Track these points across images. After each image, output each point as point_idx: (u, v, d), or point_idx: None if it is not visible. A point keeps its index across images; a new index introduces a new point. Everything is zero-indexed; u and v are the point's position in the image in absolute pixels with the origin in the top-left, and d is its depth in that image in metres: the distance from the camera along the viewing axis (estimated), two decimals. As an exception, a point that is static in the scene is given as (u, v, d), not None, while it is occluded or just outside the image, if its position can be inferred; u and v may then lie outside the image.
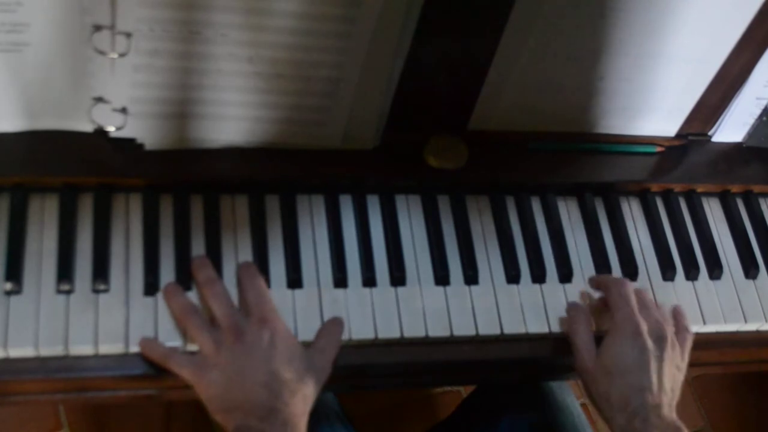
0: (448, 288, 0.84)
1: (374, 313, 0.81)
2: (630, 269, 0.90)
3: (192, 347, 0.75)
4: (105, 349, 0.74)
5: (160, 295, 0.77)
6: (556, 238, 0.90)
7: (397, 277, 0.83)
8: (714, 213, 0.97)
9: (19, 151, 0.79)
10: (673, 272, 0.91)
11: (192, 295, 0.77)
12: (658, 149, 0.97)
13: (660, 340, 0.78)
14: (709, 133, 0.99)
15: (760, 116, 0.97)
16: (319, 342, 0.77)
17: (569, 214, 0.92)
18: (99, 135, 0.80)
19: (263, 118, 0.82)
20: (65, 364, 0.73)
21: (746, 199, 0.99)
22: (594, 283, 0.87)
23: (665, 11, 0.81)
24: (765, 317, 0.91)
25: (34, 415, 1.39)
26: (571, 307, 0.84)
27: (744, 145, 1.01)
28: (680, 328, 0.83)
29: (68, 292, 0.75)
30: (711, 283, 0.92)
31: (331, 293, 0.81)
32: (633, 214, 0.94)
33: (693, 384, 1.70)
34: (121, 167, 0.81)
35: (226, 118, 0.81)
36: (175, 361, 0.73)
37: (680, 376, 0.80)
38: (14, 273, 0.74)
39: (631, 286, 0.83)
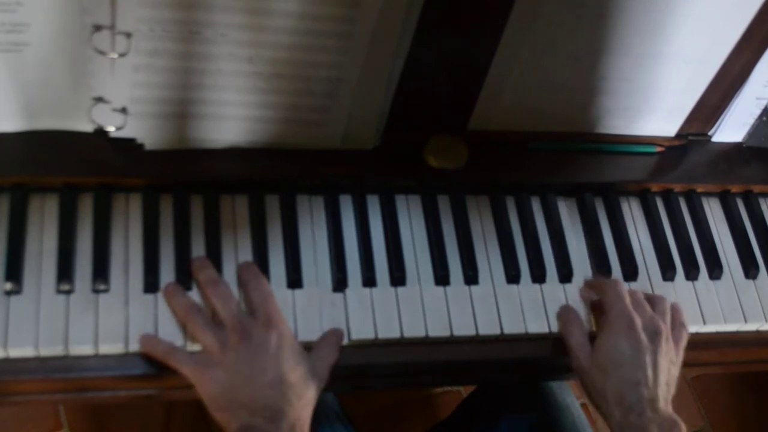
0: (448, 288, 0.84)
1: (374, 313, 0.81)
2: (630, 269, 0.90)
3: (193, 347, 0.75)
4: (105, 349, 0.74)
5: (160, 295, 0.77)
6: (556, 238, 0.90)
7: (397, 277, 0.83)
8: (714, 213, 0.97)
9: (19, 151, 0.79)
10: (673, 272, 0.91)
11: (192, 295, 0.77)
12: (658, 149, 0.97)
13: (654, 335, 0.78)
14: (709, 133, 0.99)
15: (760, 116, 0.97)
16: (320, 350, 0.77)
17: (569, 214, 0.92)
18: (99, 135, 0.80)
19: (263, 118, 0.82)
20: (65, 364, 0.73)
21: (746, 199, 0.99)
22: (588, 286, 0.87)
23: (665, 11, 0.81)
24: (765, 317, 0.91)
25: (34, 415, 1.39)
26: (563, 310, 0.84)
27: (744, 145, 1.01)
28: (676, 323, 0.83)
29: (68, 292, 0.75)
30: (711, 283, 0.92)
31: (330, 293, 0.81)
32: (633, 214, 0.94)
33: (693, 384, 1.70)
34: (121, 167, 0.81)
35: (226, 118, 0.81)
36: (177, 357, 0.73)
37: (675, 371, 0.80)
38: (14, 273, 0.74)
39: (623, 285, 0.83)
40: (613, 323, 0.79)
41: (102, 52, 0.74)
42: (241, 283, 0.78)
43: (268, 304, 0.76)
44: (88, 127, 0.80)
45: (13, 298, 0.74)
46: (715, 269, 0.92)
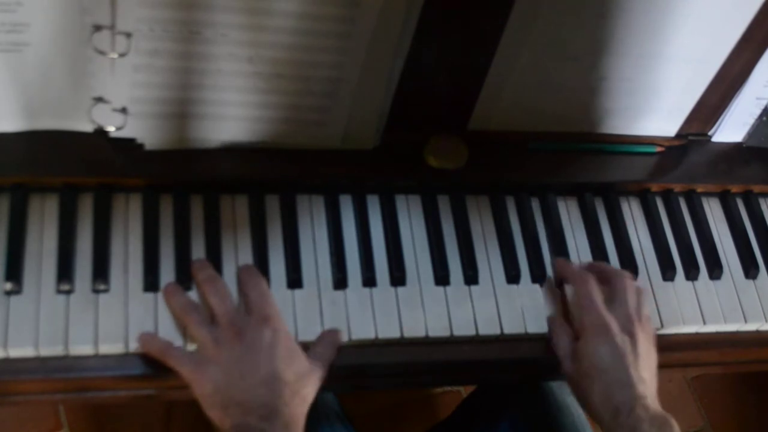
0: (448, 288, 0.84)
1: (374, 313, 0.81)
2: (630, 269, 0.90)
3: (192, 347, 0.75)
4: (105, 349, 0.74)
5: (160, 295, 0.77)
6: (556, 238, 0.90)
7: (397, 277, 0.83)
8: (714, 213, 0.97)
9: (19, 151, 0.79)
10: (673, 272, 0.91)
11: (192, 295, 0.77)
12: (658, 149, 0.97)
13: (630, 333, 0.78)
14: (709, 133, 0.99)
15: (760, 116, 0.97)
16: (318, 348, 0.77)
17: (569, 214, 0.92)
18: (99, 135, 0.80)
19: (263, 118, 0.82)
20: (65, 364, 0.73)
21: (746, 199, 0.99)
22: (557, 269, 0.86)
23: (665, 11, 0.81)
24: (765, 317, 0.91)
25: (33, 415, 1.39)
26: (550, 320, 0.84)
27: (744, 145, 1.01)
28: (644, 314, 0.82)
29: (68, 292, 0.75)
30: (711, 283, 0.92)
31: (331, 293, 0.81)
32: (633, 214, 0.94)
33: (693, 384, 1.70)
34: (121, 167, 0.81)
35: (226, 118, 0.81)
36: (173, 355, 0.73)
37: (654, 363, 0.80)
38: (14, 273, 0.74)
39: (593, 282, 0.82)
40: (588, 330, 0.78)
41: (102, 52, 0.74)
42: (240, 283, 0.78)
43: (264, 302, 0.75)
44: (88, 127, 0.80)
45: (13, 298, 0.74)
46: (715, 269, 0.92)
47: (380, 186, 0.88)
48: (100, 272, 0.76)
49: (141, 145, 0.81)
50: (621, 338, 0.77)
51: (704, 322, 0.89)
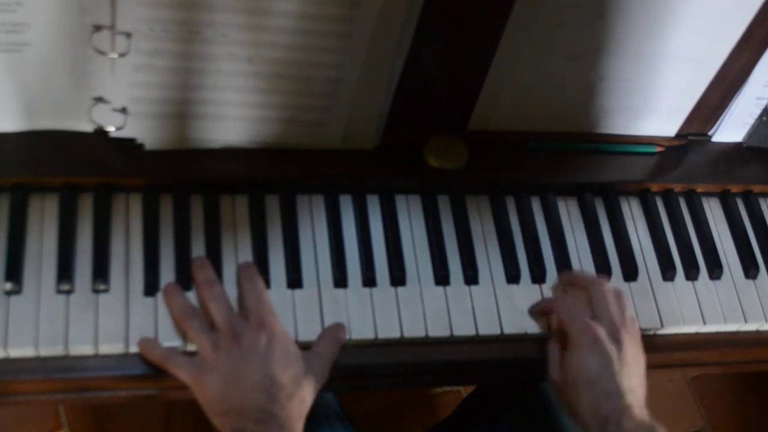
0: (448, 288, 0.84)
1: (374, 313, 0.81)
2: (630, 269, 0.90)
3: (192, 347, 0.75)
4: (105, 349, 0.74)
5: (160, 295, 0.77)
6: (556, 238, 0.90)
7: (397, 277, 0.83)
8: (714, 213, 0.97)
9: (19, 151, 0.79)
10: (673, 272, 0.91)
11: (192, 296, 0.77)
12: (658, 149, 0.97)
13: (618, 341, 0.78)
14: (709, 133, 0.99)
15: (760, 116, 0.97)
16: (319, 346, 0.77)
17: (569, 214, 0.92)
18: (99, 135, 0.80)
19: (263, 118, 0.82)
20: (65, 364, 0.73)
21: (746, 199, 0.99)
22: (538, 311, 0.85)
23: (665, 11, 0.82)
24: (765, 317, 0.91)
25: (33, 415, 1.39)
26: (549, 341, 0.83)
27: (744, 145, 1.01)
28: (627, 317, 0.82)
29: (68, 292, 0.75)
30: (711, 283, 0.92)
31: (331, 293, 0.81)
32: (633, 214, 0.94)
33: (693, 384, 1.70)
34: (121, 167, 0.81)
35: (226, 118, 0.81)
36: (174, 362, 0.73)
37: (642, 368, 0.80)
38: (14, 273, 0.74)
39: (572, 299, 0.81)
40: (576, 339, 0.78)
41: (102, 52, 0.74)
42: (238, 284, 0.78)
43: (261, 306, 0.75)
44: (88, 127, 0.80)
45: (13, 298, 0.74)
46: (715, 269, 0.92)
47: (380, 186, 0.88)
48: (100, 272, 0.76)
49: (141, 145, 0.81)
50: (609, 347, 0.77)
51: (704, 322, 0.89)
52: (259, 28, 0.74)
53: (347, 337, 0.79)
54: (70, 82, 0.76)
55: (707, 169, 0.98)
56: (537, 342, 0.84)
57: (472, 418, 1.08)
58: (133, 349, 0.74)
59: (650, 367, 0.87)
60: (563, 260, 0.88)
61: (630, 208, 0.95)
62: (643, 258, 0.92)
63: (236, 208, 0.83)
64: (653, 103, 0.92)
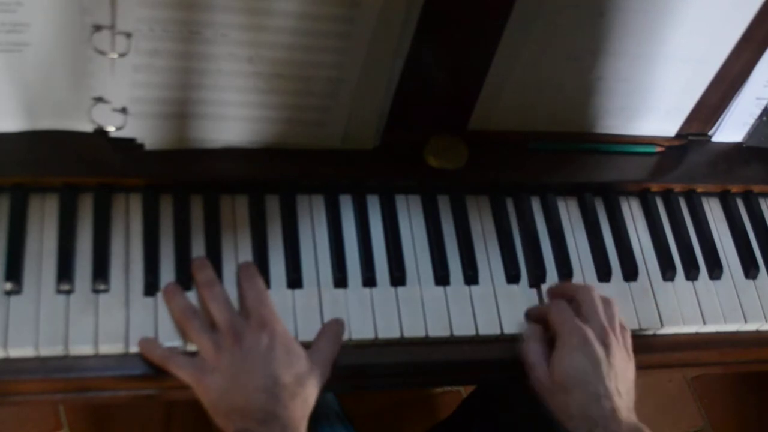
0: (448, 288, 0.84)
1: (374, 313, 0.81)
2: (630, 269, 0.90)
3: (192, 347, 0.75)
4: (105, 349, 0.74)
5: (160, 295, 0.77)
6: (556, 238, 0.90)
7: (397, 277, 0.83)
8: (714, 213, 0.97)
9: (19, 151, 0.79)
10: (673, 272, 0.91)
11: (192, 296, 0.77)
12: (658, 149, 0.97)
13: (606, 345, 0.77)
14: (709, 133, 0.99)
15: (760, 116, 0.97)
16: (319, 343, 0.77)
17: (569, 214, 0.92)
18: (99, 135, 0.80)
19: (263, 118, 0.82)
20: (65, 364, 0.73)
21: (746, 199, 0.99)
22: (532, 317, 0.84)
23: (665, 11, 0.82)
24: (765, 317, 0.91)
25: (34, 415, 1.39)
26: (527, 327, 0.83)
27: (744, 145, 1.01)
28: (617, 324, 0.81)
29: (68, 292, 0.75)
30: (711, 283, 0.92)
31: (331, 293, 0.81)
32: (633, 214, 0.94)
33: (693, 384, 1.70)
34: (121, 167, 0.81)
35: (226, 118, 0.81)
36: (175, 363, 0.73)
37: (631, 375, 0.80)
38: (14, 273, 0.74)
39: (565, 304, 0.80)
40: (565, 340, 0.77)
41: (102, 52, 0.74)
42: (238, 284, 0.78)
43: (262, 306, 0.75)
44: (88, 127, 0.80)
45: (13, 298, 0.74)
46: (715, 269, 0.92)
47: (380, 186, 0.88)
48: (100, 272, 0.76)
49: (141, 145, 0.81)
50: (597, 349, 0.77)
51: (704, 322, 0.89)
52: (259, 28, 0.74)
53: (347, 337, 0.79)
54: (70, 82, 0.76)
55: (707, 169, 0.98)
56: (537, 342, 0.84)
57: (472, 418, 1.08)
58: (133, 349, 0.74)
59: (650, 367, 0.87)
60: (563, 260, 0.88)
61: (630, 208, 0.95)
62: (643, 258, 0.92)
63: (236, 208, 0.83)
64: (653, 103, 0.92)
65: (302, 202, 0.85)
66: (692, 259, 0.92)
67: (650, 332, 0.88)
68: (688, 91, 0.91)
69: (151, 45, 0.74)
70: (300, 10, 0.74)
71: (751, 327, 0.91)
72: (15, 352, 0.72)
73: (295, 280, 0.81)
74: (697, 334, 0.89)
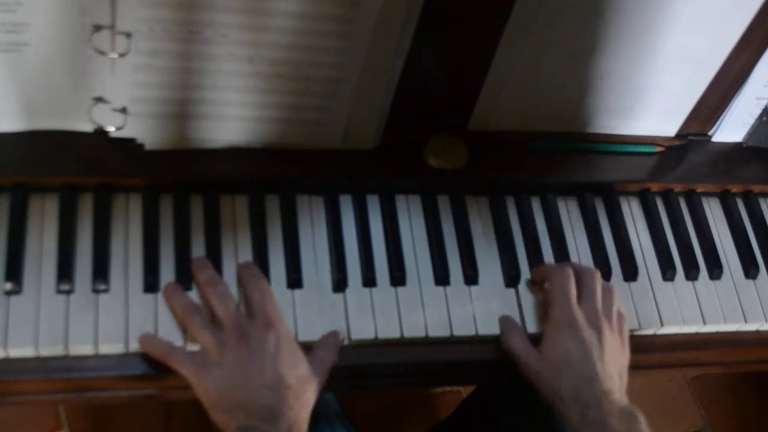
0: (448, 288, 0.84)
1: (374, 313, 0.81)
2: (630, 269, 0.90)
3: (193, 347, 0.75)
4: (105, 349, 0.74)
5: (160, 295, 0.77)
6: (556, 238, 0.90)
7: (397, 277, 0.83)
8: (714, 213, 0.97)
9: (19, 151, 0.79)
10: (673, 272, 0.91)
11: (192, 295, 0.77)
12: (658, 149, 0.97)
13: (597, 330, 0.78)
14: (709, 133, 0.99)
15: (760, 116, 0.97)
16: (318, 352, 0.77)
17: (569, 214, 0.92)
18: (99, 135, 0.80)
19: (263, 118, 0.82)
20: (65, 364, 0.73)
21: (746, 199, 0.99)
22: (537, 275, 0.86)
23: (665, 11, 0.82)
24: (765, 317, 0.91)
25: (34, 415, 1.39)
26: (502, 319, 0.83)
27: (744, 145, 1.01)
28: (614, 311, 0.82)
29: (68, 292, 0.75)
30: (711, 283, 0.92)
31: (331, 293, 0.81)
32: (633, 214, 0.94)
33: (693, 384, 1.70)
34: (121, 167, 0.81)
35: (226, 118, 0.81)
36: (176, 357, 0.73)
37: (625, 361, 0.80)
38: (14, 273, 0.74)
39: (570, 276, 0.81)
40: (556, 321, 0.79)
41: (102, 52, 0.74)
42: (241, 283, 0.78)
43: (267, 305, 0.75)
44: (88, 127, 0.80)
45: (13, 298, 0.74)
46: (715, 269, 0.92)
47: (380, 186, 0.88)
48: (100, 272, 0.76)
49: (141, 145, 0.81)
50: (588, 333, 0.77)
51: (704, 322, 0.89)
52: (259, 28, 0.74)
53: (347, 337, 0.79)
54: (70, 82, 0.76)
55: (707, 169, 0.98)
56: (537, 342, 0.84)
57: (472, 418, 1.08)
58: (134, 348, 0.74)
59: (650, 367, 0.87)
60: (563, 260, 0.88)
61: (630, 208, 0.95)
62: (643, 258, 0.92)
63: (236, 208, 0.83)
64: (653, 103, 0.92)
65: (302, 202, 0.85)
66: (692, 259, 0.92)
67: (650, 332, 0.88)
68: (688, 91, 0.91)
69: (151, 45, 0.74)
70: (300, 10, 0.74)
71: (751, 327, 0.91)
72: (15, 352, 0.72)
73: (295, 280, 0.81)
74: (697, 334, 0.89)
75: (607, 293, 0.82)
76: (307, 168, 0.86)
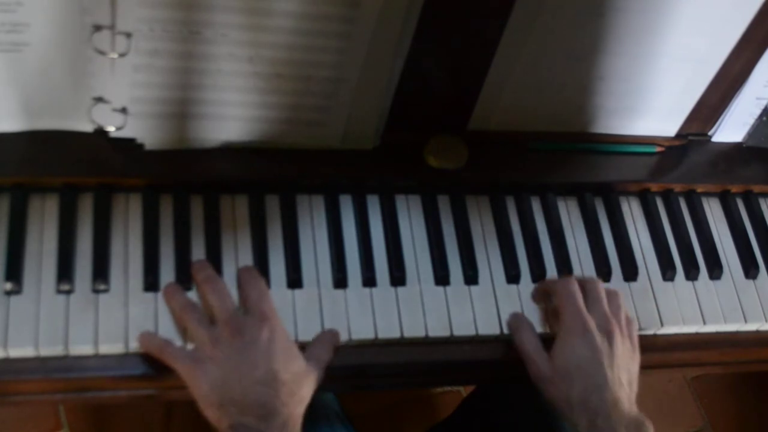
0: (448, 288, 0.84)
1: (374, 313, 0.81)
2: (630, 269, 0.90)
3: (191, 347, 0.75)
4: (105, 349, 0.74)
5: (160, 295, 0.77)
6: (556, 238, 0.90)
7: (397, 277, 0.83)
8: (714, 213, 0.97)
9: (19, 151, 0.79)
10: (673, 272, 0.91)
11: (192, 296, 0.77)
12: (658, 149, 0.97)
13: (608, 334, 0.77)
14: (709, 133, 0.99)
15: (760, 116, 0.97)
16: (314, 349, 0.77)
17: (569, 214, 0.92)
18: (99, 135, 0.80)
19: (263, 118, 0.82)
20: (65, 364, 0.73)
21: (746, 199, 0.99)
22: (539, 291, 0.85)
23: (665, 11, 0.82)
24: (765, 317, 0.91)
25: (34, 415, 1.39)
26: (513, 317, 0.83)
27: (744, 145, 1.01)
28: (622, 316, 0.82)
29: (68, 292, 0.75)
30: (711, 283, 0.92)
31: (331, 293, 0.81)
32: (633, 214, 0.94)
33: (693, 384, 1.70)
34: (121, 167, 0.81)
35: (226, 118, 0.81)
36: (170, 353, 0.73)
37: (635, 368, 0.80)
38: (14, 273, 0.74)
39: (575, 284, 0.81)
40: (567, 327, 0.78)
41: (102, 52, 0.74)
42: (239, 283, 0.78)
43: (263, 302, 0.75)
44: (88, 127, 0.80)
45: (13, 298, 0.74)
46: (715, 269, 0.92)
47: (380, 186, 0.88)
48: (100, 272, 0.76)
49: (141, 145, 0.81)
50: (599, 338, 0.77)
51: (704, 322, 0.89)
52: (259, 28, 0.75)
53: (347, 337, 0.79)
54: (70, 82, 0.76)
55: (707, 169, 0.98)
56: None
57: (472, 418, 1.08)
58: (134, 348, 0.74)
59: (650, 367, 0.87)
60: (563, 260, 0.88)
61: (630, 208, 0.95)
62: (643, 258, 0.92)
63: (236, 208, 0.83)
64: (653, 103, 0.92)
65: (302, 202, 0.85)
66: (692, 259, 0.92)
67: (650, 332, 0.88)
68: (688, 91, 0.91)
69: (151, 45, 0.74)
70: (300, 10, 0.74)
71: (751, 327, 0.91)
72: (15, 352, 0.72)
73: (295, 280, 0.81)
74: (697, 334, 0.89)
75: (613, 297, 0.82)
76: (307, 168, 0.86)
